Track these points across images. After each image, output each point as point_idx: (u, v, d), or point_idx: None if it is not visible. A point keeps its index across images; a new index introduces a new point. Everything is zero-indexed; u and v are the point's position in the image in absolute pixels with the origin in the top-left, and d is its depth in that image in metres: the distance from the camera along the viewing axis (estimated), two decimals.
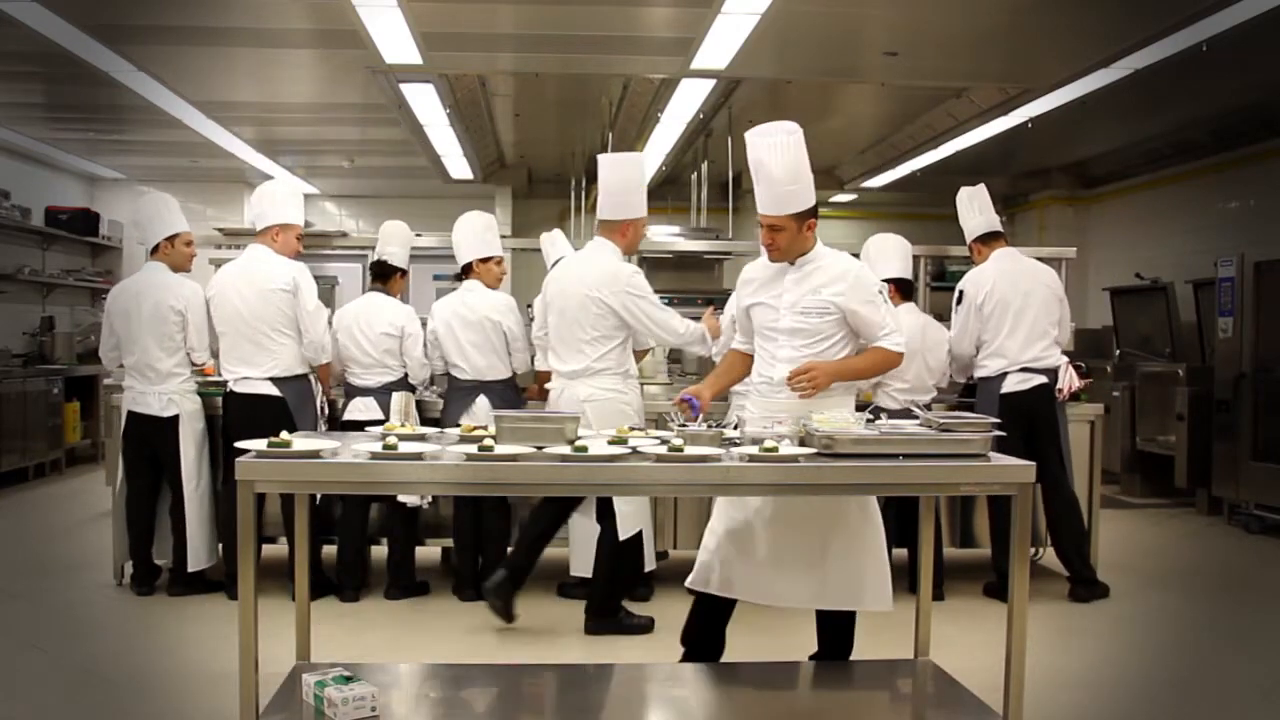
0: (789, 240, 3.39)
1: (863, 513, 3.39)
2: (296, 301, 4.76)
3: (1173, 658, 4.39)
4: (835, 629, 3.55)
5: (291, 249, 4.88)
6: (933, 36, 6.45)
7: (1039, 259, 5.34)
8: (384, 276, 5.13)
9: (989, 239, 5.14)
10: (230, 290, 4.81)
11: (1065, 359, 5.05)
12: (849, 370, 3.43)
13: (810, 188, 3.38)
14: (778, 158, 3.32)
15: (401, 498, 4.90)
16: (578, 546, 4.92)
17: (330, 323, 4.96)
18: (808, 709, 3.37)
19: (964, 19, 6.08)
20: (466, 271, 5.08)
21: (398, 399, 4.93)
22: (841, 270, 3.42)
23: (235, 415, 4.74)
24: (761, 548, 3.36)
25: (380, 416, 4.82)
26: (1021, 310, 4.96)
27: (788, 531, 3.35)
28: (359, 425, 4.65)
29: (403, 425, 3.53)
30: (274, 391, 4.73)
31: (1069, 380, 4.99)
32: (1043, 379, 4.95)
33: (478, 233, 5.08)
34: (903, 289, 5.01)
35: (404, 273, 5.22)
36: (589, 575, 4.80)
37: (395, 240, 5.22)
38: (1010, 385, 4.94)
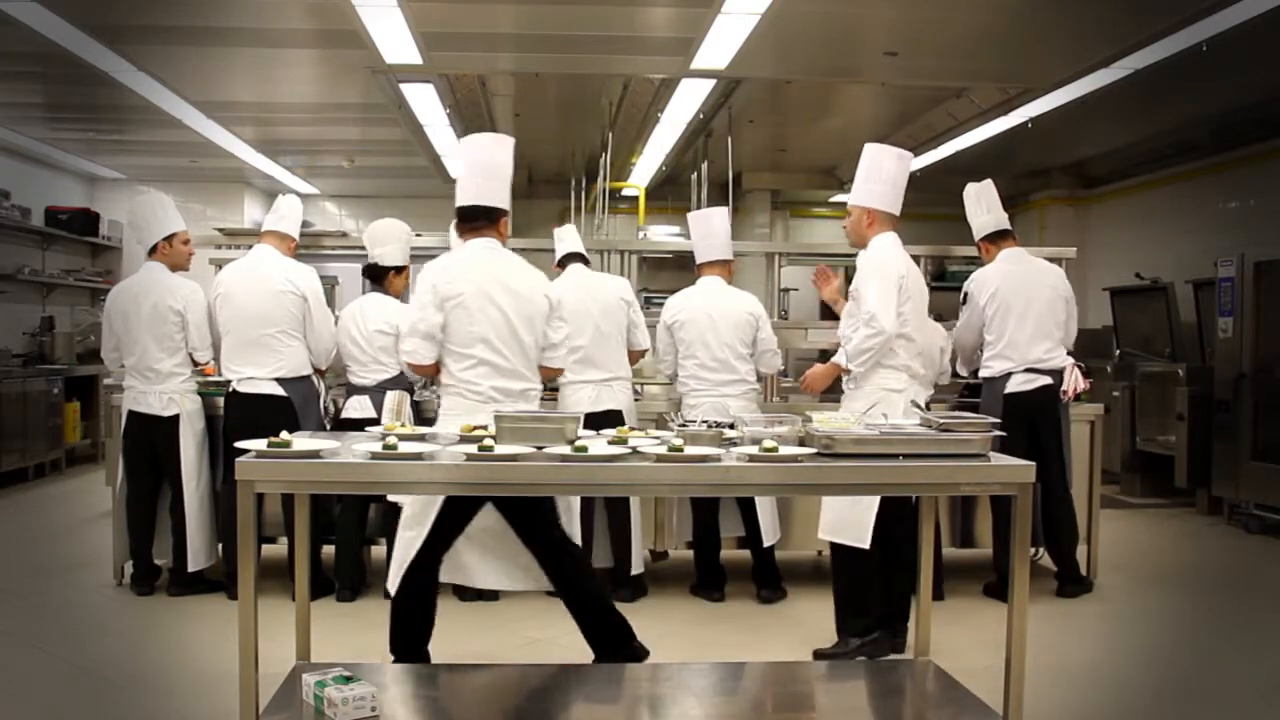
0: None
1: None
2: (307, 305, 4.79)
3: (1173, 657, 4.39)
4: (591, 619, 3.60)
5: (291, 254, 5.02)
6: (933, 36, 6.44)
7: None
8: (377, 277, 5.05)
9: (997, 238, 5.10)
10: (238, 290, 4.81)
11: (1071, 360, 5.03)
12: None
13: None
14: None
15: (392, 496, 4.87)
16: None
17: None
18: (808, 709, 3.37)
19: (964, 19, 6.07)
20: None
21: (390, 398, 4.82)
22: None
23: (239, 415, 4.71)
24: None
25: (374, 415, 4.76)
26: (1025, 313, 4.95)
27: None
28: (356, 424, 4.66)
29: (402, 425, 3.52)
30: (280, 391, 4.73)
31: (1074, 382, 4.97)
32: (1047, 380, 4.94)
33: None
34: None
35: (399, 270, 5.05)
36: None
37: (384, 239, 5.07)
38: (1015, 385, 4.93)
